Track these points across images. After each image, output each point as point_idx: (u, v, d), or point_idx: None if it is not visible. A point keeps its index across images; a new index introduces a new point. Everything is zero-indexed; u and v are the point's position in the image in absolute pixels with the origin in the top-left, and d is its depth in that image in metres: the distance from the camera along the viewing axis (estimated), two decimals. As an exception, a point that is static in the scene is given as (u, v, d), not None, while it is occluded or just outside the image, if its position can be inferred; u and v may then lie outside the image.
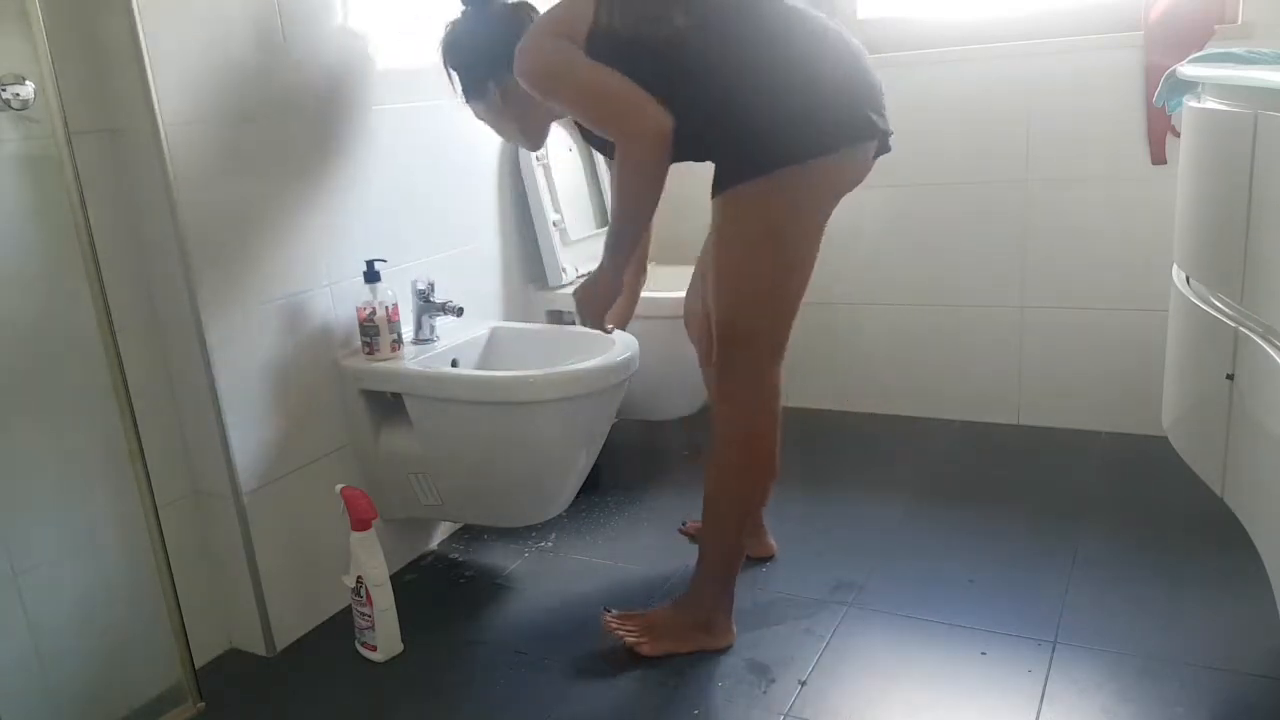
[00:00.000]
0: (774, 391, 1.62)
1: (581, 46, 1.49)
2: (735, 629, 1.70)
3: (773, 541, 1.99)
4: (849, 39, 1.55)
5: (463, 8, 1.72)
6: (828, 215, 1.59)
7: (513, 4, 1.70)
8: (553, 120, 1.79)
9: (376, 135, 1.91)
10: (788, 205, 1.53)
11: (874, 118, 1.52)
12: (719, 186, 1.54)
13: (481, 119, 1.79)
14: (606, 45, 1.49)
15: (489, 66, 1.67)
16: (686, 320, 1.94)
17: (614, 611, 1.73)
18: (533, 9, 1.70)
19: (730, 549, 1.67)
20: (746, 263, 1.56)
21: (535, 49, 1.53)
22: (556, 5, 1.56)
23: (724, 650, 1.67)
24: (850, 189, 1.60)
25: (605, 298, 1.65)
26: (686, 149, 1.52)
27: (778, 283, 1.58)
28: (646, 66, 1.48)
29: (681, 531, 2.06)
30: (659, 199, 1.55)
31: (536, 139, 1.81)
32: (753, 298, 1.58)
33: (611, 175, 1.75)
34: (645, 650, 1.66)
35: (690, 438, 2.61)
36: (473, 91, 1.73)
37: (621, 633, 1.68)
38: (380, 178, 1.92)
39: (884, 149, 1.59)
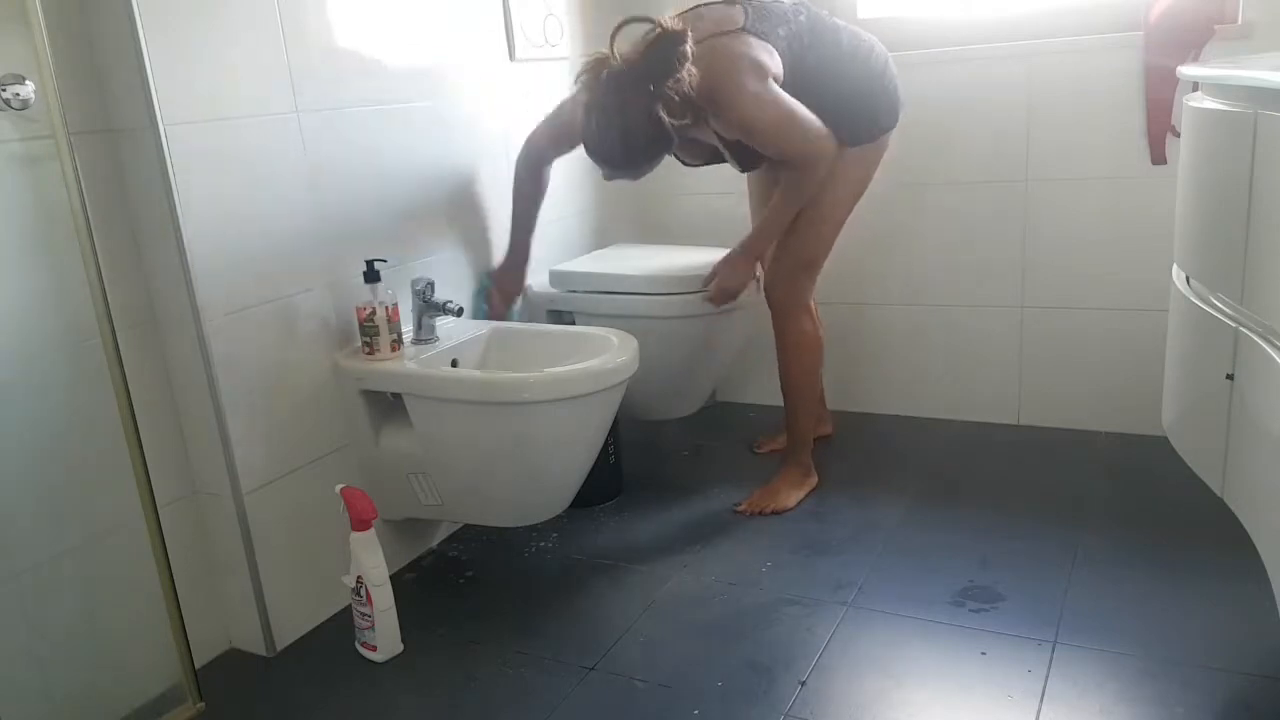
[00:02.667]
0: (812, 302, 2.19)
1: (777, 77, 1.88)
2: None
3: (829, 425, 2.54)
4: (878, 42, 2.06)
5: (598, 108, 1.80)
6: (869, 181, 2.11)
7: (635, 76, 1.78)
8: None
9: (377, 134, 1.91)
10: (865, 168, 2.07)
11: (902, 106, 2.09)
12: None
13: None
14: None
15: (662, 144, 1.85)
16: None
17: (740, 504, 2.17)
18: (666, 75, 1.78)
19: (811, 417, 2.23)
20: (832, 209, 2.06)
21: (763, 101, 1.85)
22: (736, 46, 1.85)
23: (818, 487, 2.23)
24: None
25: (746, 279, 2.12)
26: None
27: (838, 225, 2.11)
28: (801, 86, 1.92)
29: (758, 451, 2.48)
30: None
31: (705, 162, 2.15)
32: (825, 236, 2.10)
33: (781, 183, 2.03)
34: (788, 505, 2.16)
35: (690, 438, 2.61)
36: (649, 168, 1.91)
37: (760, 509, 2.15)
38: (381, 177, 1.92)
39: None
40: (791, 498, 2.18)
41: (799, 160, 1.95)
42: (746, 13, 1.93)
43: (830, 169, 1.97)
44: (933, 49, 2.40)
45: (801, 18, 1.97)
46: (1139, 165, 2.26)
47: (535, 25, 2.34)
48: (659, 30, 1.78)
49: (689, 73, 1.79)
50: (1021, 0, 2.33)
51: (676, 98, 1.79)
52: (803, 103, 1.91)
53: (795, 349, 2.15)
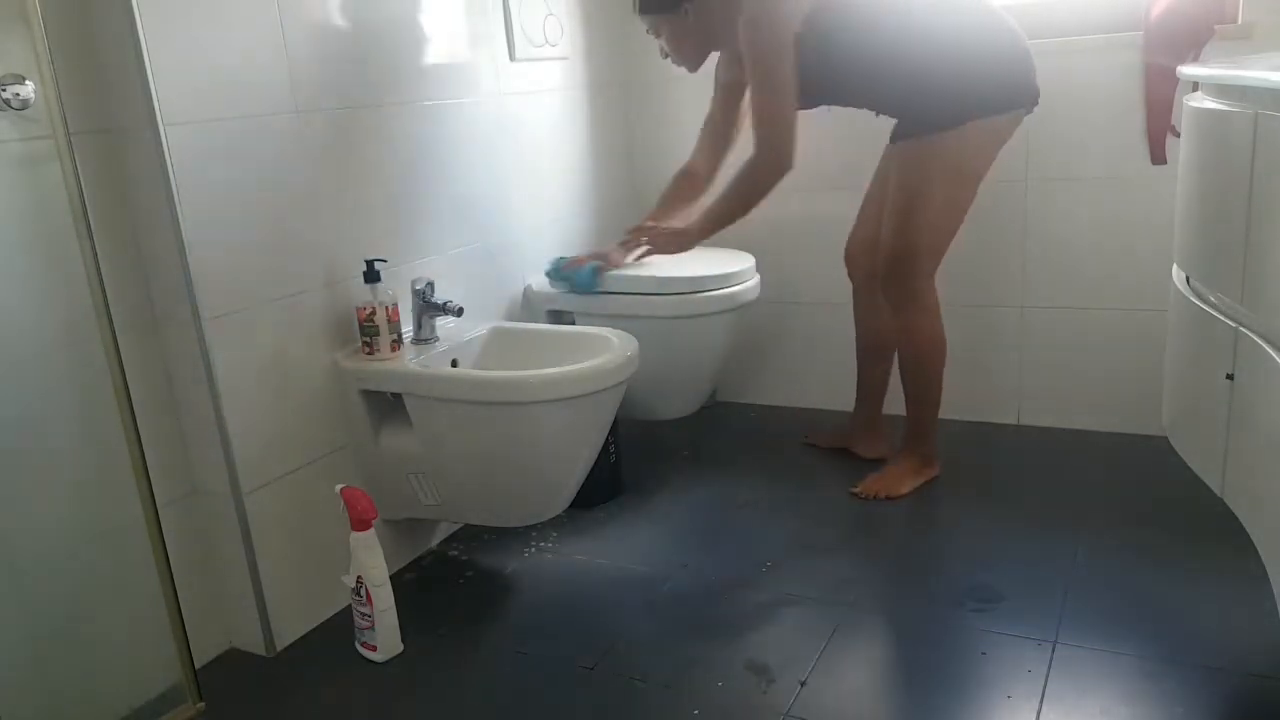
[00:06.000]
0: (933, 295, 2.10)
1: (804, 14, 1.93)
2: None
3: (885, 446, 2.37)
4: (1006, 15, 1.97)
5: None
6: (990, 164, 2.03)
7: None
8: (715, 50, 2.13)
9: (377, 134, 1.91)
10: (968, 151, 1.98)
11: (1037, 86, 1.99)
12: (910, 134, 1.99)
13: (655, 33, 2.13)
14: (831, 14, 1.93)
15: None
16: (848, 250, 2.30)
17: (857, 488, 2.18)
18: None
19: (935, 403, 2.16)
20: (933, 196, 1.99)
21: (772, 21, 1.93)
22: None
23: (938, 477, 2.21)
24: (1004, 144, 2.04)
25: (671, 251, 2.19)
26: (879, 100, 2.03)
27: (945, 216, 2.02)
28: (852, 44, 1.94)
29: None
30: (755, 206, 2.07)
31: (700, 64, 2.16)
32: (932, 224, 2.02)
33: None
34: (901, 491, 2.16)
35: (690, 438, 2.61)
36: (665, 6, 2.05)
37: (874, 493, 2.15)
38: (381, 177, 1.93)
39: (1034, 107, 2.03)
40: (905, 484, 2.17)
41: (756, 136, 2.01)
42: None
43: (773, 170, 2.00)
44: (933, 49, 2.40)
45: None
46: (1139, 165, 2.26)
47: (535, 25, 2.34)
48: None
49: None
50: (1021, 0, 2.33)
51: None
52: (903, 68, 1.94)
53: (913, 336, 2.11)
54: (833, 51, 1.96)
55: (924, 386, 2.15)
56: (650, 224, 2.30)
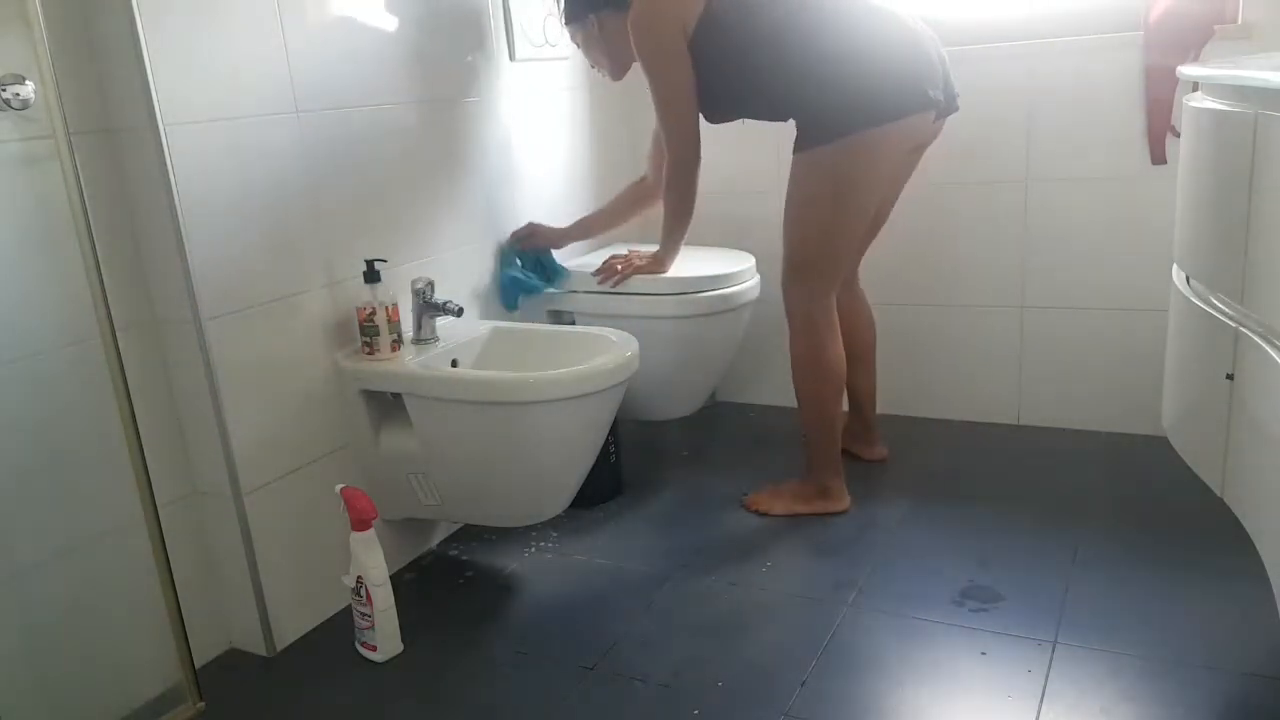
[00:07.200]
0: (827, 313, 2.02)
1: (694, 19, 1.92)
2: (849, 496, 2.12)
3: (883, 448, 2.37)
4: (906, 20, 1.91)
5: None
6: (886, 174, 1.96)
7: None
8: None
9: (376, 134, 1.91)
10: (845, 167, 1.90)
11: (929, 92, 1.89)
12: (796, 148, 1.93)
13: (575, 43, 2.23)
14: (715, 26, 1.91)
15: (593, 3, 2.10)
16: None
17: (748, 494, 2.18)
18: None
19: (819, 428, 2.08)
20: (808, 212, 1.96)
21: (648, 30, 1.96)
22: None
23: (843, 512, 2.10)
24: (915, 151, 2.02)
25: (654, 271, 2.22)
26: (768, 112, 2.01)
27: (831, 229, 1.96)
28: (736, 56, 1.92)
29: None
30: (692, 207, 2.14)
31: (621, 71, 2.21)
32: (809, 241, 1.98)
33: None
34: (763, 508, 2.13)
35: (690, 438, 2.61)
36: (574, 16, 2.15)
37: (752, 505, 2.14)
38: (380, 177, 1.92)
39: (948, 111, 1.99)
40: (777, 506, 2.12)
41: (664, 139, 2.06)
42: None
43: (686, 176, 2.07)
44: (933, 49, 2.40)
45: None
46: (1139, 165, 2.26)
47: (535, 25, 2.34)
48: None
49: None
50: (1021, 0, 2.33)
51: None
52: (782, 82, 1.90)
53: (794, 355, 2.06)
54: (714, 63, 1.95)
55: (804, 409, 2.08)
56: (627, 250, 2.33)
